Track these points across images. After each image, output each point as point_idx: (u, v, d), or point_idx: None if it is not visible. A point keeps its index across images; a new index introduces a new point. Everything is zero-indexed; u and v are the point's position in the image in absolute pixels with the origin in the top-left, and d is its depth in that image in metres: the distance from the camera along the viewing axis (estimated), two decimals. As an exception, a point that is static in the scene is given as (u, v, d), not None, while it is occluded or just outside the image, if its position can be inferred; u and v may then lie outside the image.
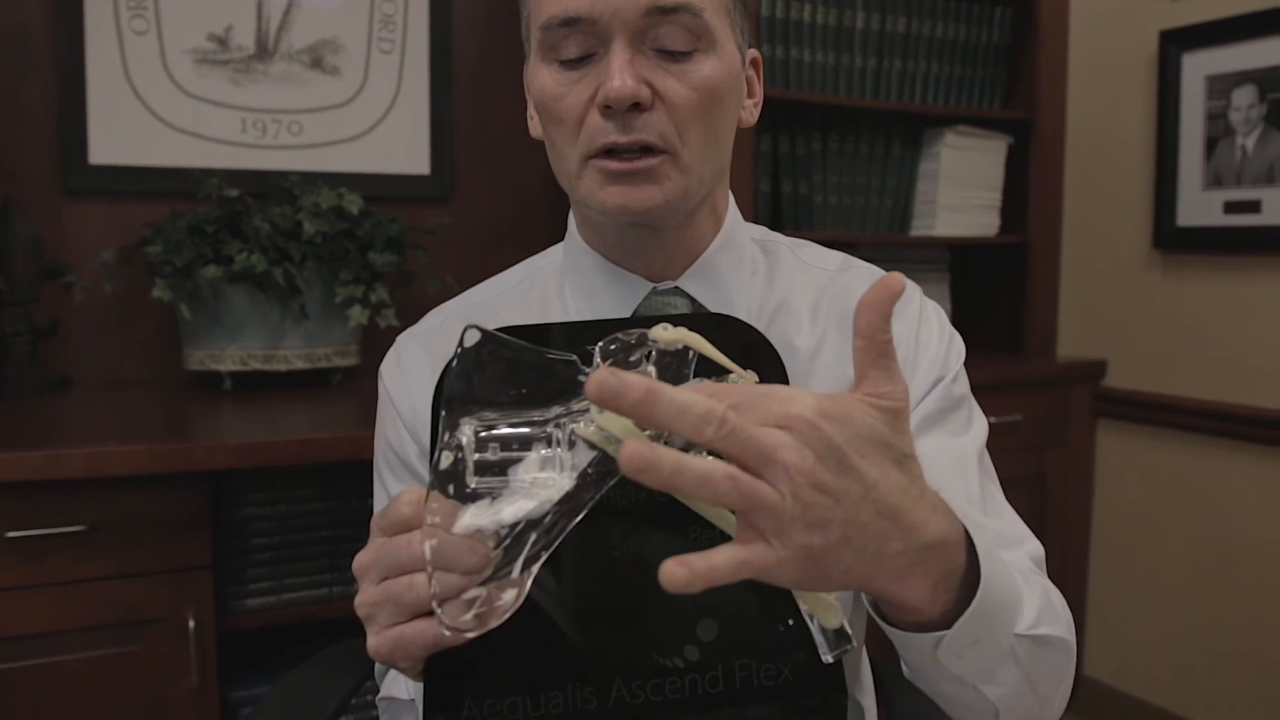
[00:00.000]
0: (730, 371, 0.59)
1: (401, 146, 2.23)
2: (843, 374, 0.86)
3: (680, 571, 0.48)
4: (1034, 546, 0.83)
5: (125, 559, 1.45)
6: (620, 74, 0.75)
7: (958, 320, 2.59)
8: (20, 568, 1.40)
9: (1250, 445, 2.18)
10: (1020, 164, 2.54)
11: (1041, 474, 2.43)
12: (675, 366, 0.58)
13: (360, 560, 0.63)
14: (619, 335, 0.60)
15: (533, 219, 2.34)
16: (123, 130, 2.01)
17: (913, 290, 0.92)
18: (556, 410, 0.58)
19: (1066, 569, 2.50)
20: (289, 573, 1.63)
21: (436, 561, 0.57)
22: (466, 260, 2.26)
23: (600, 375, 0.47)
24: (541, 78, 0.81)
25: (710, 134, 0.80)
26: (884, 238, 2.43)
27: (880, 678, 0.99)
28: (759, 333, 0.69)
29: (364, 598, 0.62)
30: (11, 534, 1.38)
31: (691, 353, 0.59)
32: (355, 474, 1.66)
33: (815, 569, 0.52)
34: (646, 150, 0.78)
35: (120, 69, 2.00)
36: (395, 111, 2.22)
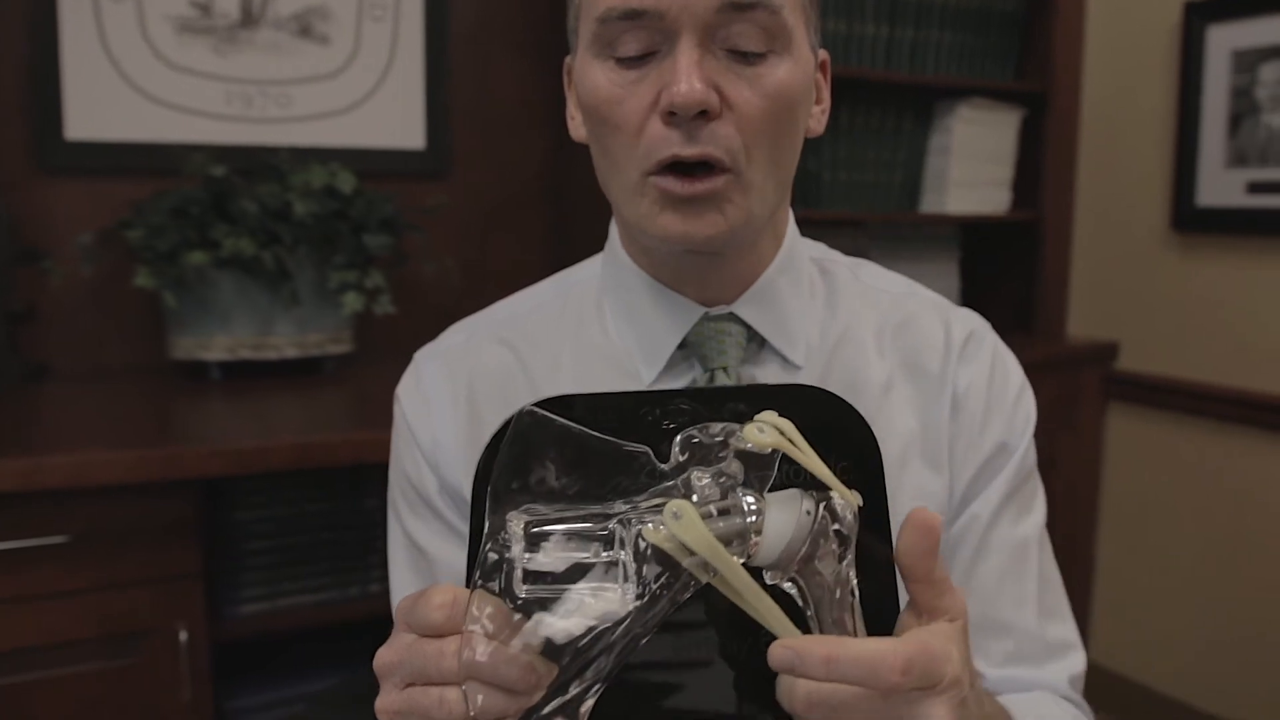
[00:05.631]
0: (830, 489, 0.51)
1: (395, 119, 2.13)
2: (909, 423, 0.80)
3: None
4: (1076, 660, 0.81)
5: (112, 570, 1.37)
6: (688, 76, 0.66)
7: (965, 299, 2.53)
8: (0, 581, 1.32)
9: (1267, 433, 2.13)
10: (1033, 138, 2.46)
11: (1050, 458, 2.38)
12: (760, 466, 0.51)
13: (383, 658, 0.53)
14: (696, 433, 0.51)
15: (535, 195, 2.25)
16: (100, 103, 1.89)
17: (985, 330, 0.85)
18: (621, 507, 0.50)
19: (1074, 555, 2.46)
20: (285, 577, 1.56)
21: (475, 677, 0.48)
22: (464, 239, 2.17)
23: (778, 651, 0.49)
24: (594, 76, 0.71)
25: (778, 148, 0.72)
26: (893, 216, 2.35)
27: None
28: (854, 410, 0.58)
29: (386, 703, 0.53)
30: (-10, 546, 1.31)
31: (779, 452, 0.51)
32: (353, 474, 1.58)
33: None
34: (708, 166, 0.69)
35: (97, 38, 1.88)
36: (388, 82, 2.12)
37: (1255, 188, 2.11)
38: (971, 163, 2.36)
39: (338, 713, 1.01)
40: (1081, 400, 2.43)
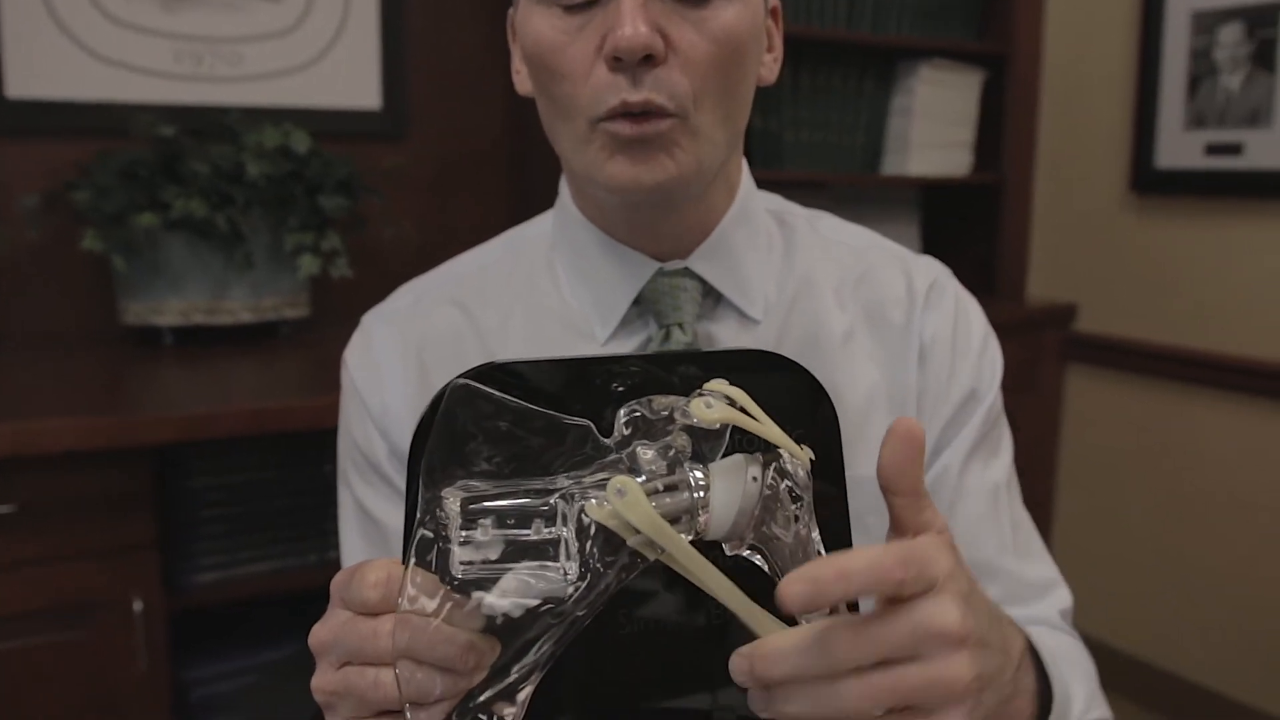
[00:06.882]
0: (779, 447, 0.49)
1: (350, 78, 2.08)
2: (872, 375, 0.79)
3: None
4: (1061, 596, 0.81)
5: (62, 540, 1.35)
6: (632, 20, 0.64)
7: (928, 261, 2.53)
8: (-55, 552, 1.29)
9: (1223, 392, 2.16)
10: (995, 100, 2.45)
11: (1010, 418, 2.40)
12: (711, 437, 0.49)
13: (318, 636, 0.52)
14: (640, 408, 0.49)
15: (495, 155, 2.21)
16: (43, 61, 1.84)
17: (947, 279, 0.84)
18: (564, 482, 0.47)
19: (1033, 514, 2.48)
20: (241, 545, 1.54)
21: (411, 657, 0.46)
22: (422, 202, 2.14)
23: (793, 589, 0.42)
24: (536, 24, 0.69)
25: (728, 94, 0.70)
26: (854, 177, 2.34)
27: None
28: (809, 374, 0.56)
29: (322, 682, 0.52)
30: (-66, 516, 1.28)
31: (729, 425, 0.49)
32: (309, 440, 1.56)
33: None
34: (655, 112, 0.67)
35: (37, -8, 1.82)
36: (342, 40, 2.07)
37: (1213, 149, 2.13)
38: (933, 124, 2.36)
39: (296, 681, 0.99)
40: (1041, 361, 2.45)
